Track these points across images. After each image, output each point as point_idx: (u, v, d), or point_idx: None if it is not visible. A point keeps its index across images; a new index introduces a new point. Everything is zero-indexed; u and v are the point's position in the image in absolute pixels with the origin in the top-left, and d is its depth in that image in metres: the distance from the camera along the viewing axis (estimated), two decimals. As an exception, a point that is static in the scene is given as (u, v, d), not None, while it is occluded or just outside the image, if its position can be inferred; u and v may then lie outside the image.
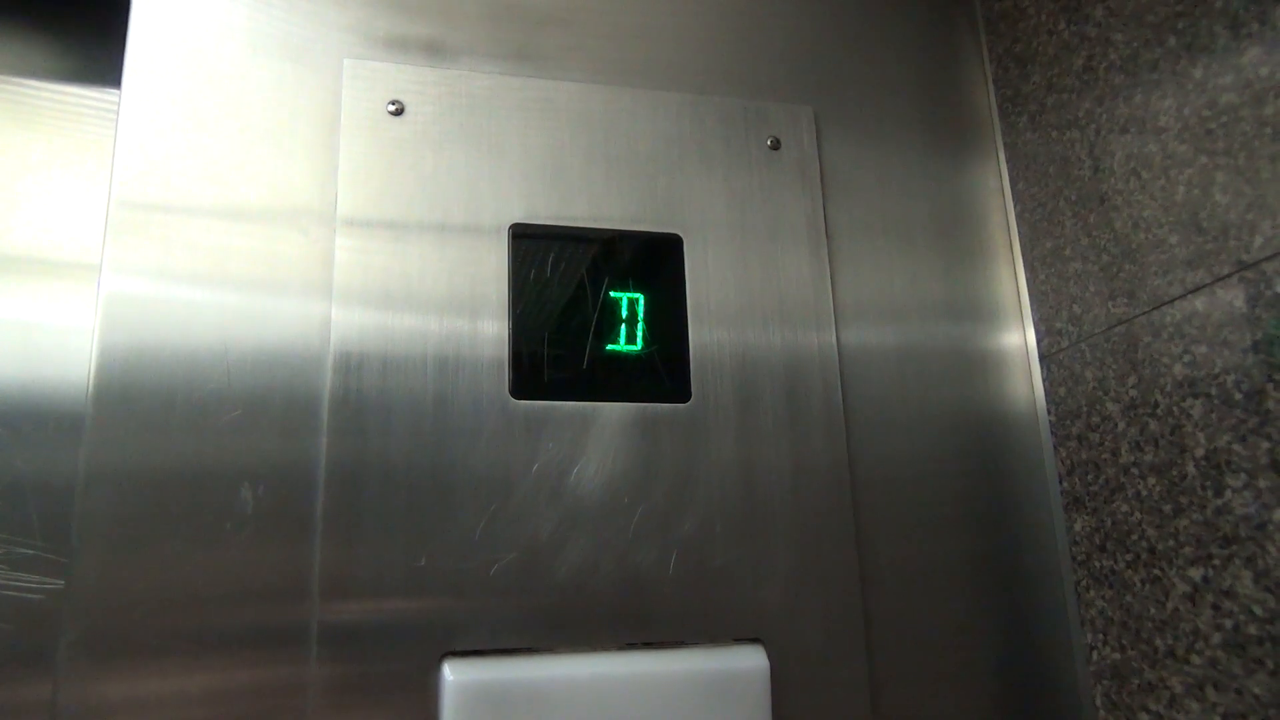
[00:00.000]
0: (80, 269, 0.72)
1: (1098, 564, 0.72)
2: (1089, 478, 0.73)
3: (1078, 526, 0.74)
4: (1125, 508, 0.69)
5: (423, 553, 0.63)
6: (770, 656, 0.66)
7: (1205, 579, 0.61)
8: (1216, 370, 0.60)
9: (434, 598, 0.63)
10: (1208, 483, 0.61)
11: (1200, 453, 0.62)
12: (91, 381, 0.62)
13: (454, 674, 0.60)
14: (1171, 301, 0.65)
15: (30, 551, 0.65)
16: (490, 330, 0.69)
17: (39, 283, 0.71)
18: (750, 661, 0.66)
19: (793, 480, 0.71)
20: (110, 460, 0.60)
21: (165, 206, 0.66)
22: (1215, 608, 0.60)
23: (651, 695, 0.63)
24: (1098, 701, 0.71)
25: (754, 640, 0.67)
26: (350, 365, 0.65)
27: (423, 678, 0.61)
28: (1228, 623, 0.59)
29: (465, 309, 0.69)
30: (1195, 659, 0.61)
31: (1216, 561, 0.60)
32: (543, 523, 0.66)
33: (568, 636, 0.64)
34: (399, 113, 0.71)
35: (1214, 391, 0.61)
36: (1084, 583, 0.73)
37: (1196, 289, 0.62)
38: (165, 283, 0.65)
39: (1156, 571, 0.65)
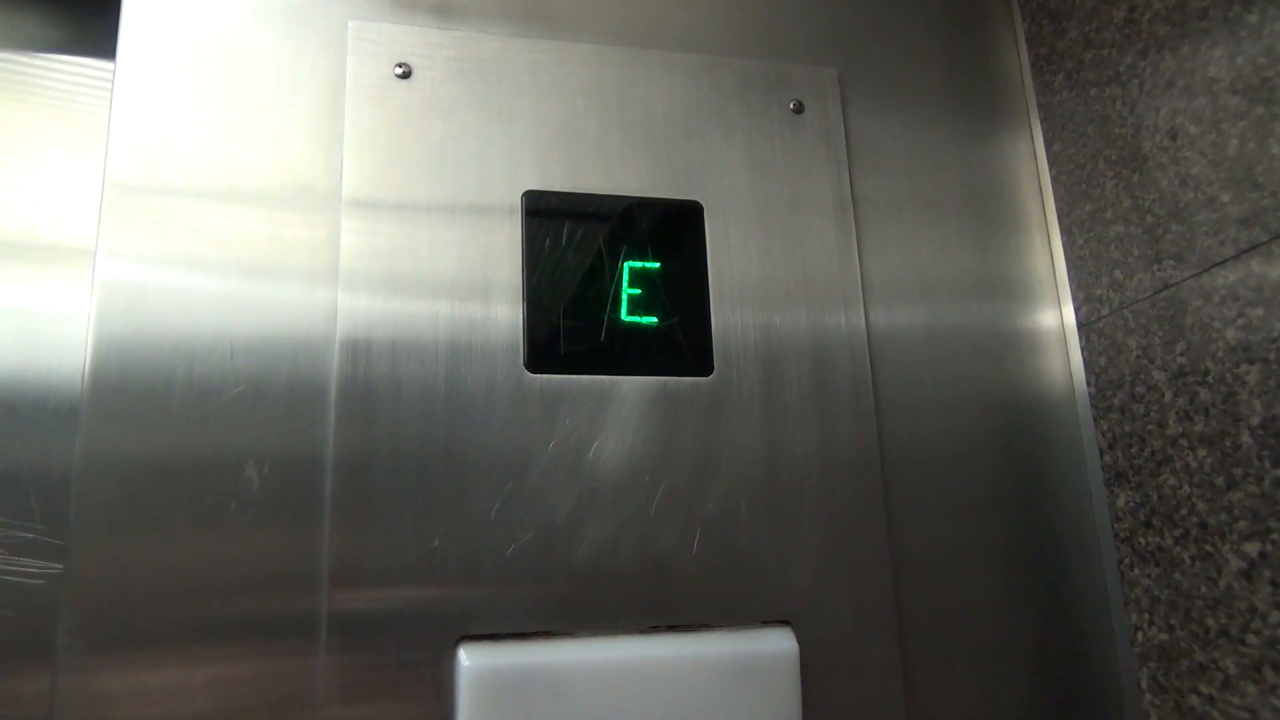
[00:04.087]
0: (75, 253, 0.69)
1: (1142, 540, 0.68)
2: (1133, 451, 0.69)
3: (1120, 502, 0.71)
4: (1173, 481, 0.65)
5: (436, 535, 0.60)
6: (799, 639, 0.63)
7: (1262, 554, 0.57)
8: (1275, 333, 0.57)
9: (448, 581, 0.60)
10: (1265, 453, 0.57)
11: (1256, 421, 0.58)
12: (87, 370, 0.59)
13: (470, 659, 0.58)
14: (1224, 262, 0.61)
15: (30, 535, 0.62)
16: (504, 303, 0.66)
17: (33, 267, 0.69)
18: (779, 644, 0.63)
19: (820, 458, 0.68)
20: (107, 446, 0.58)
21: (162, 188, 0.63)
22: (1274, 584, 0.56)
23: (676, 679, 0.60)
24: (1143, 684, 0.68)
25: (783, 622, 0.64)
26: (359, 343, 0.62)
27: (437, 664, 0.58)
28: (1288, 600, 0.55)
29: (477, 282, 0.66)
30: (1251, 639, 0.58)
31: (1276, 535, 0.56)
32: (560, 502, 0.63)
33: (588, 619, 0.62)
34: (406, 75, 0.68)
35: (1272, 356, 0.57)
36: (1127, 560, 0.70)
37: (1252, 248, 0.59)
38: (163, 268, 0.62)
39: (1208, 547, 0.62)
